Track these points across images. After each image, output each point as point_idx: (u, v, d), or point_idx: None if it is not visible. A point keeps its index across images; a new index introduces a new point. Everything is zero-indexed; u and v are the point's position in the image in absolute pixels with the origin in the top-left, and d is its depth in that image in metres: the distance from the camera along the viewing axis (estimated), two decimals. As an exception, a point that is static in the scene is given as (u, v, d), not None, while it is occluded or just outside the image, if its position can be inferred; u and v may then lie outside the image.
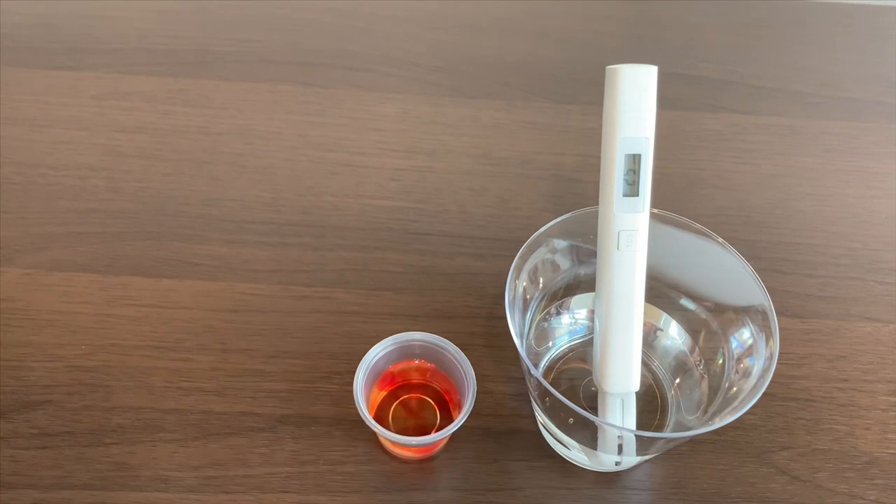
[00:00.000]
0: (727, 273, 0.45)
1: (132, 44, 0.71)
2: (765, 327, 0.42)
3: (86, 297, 0.53)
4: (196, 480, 0.46)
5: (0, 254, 0.55)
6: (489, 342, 0.53)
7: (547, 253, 0.48)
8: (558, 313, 0.50)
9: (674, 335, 0.49)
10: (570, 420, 0.43)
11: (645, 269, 0.42)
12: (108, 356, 0.51)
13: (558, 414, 0.45)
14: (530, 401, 0.49)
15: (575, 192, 0.62)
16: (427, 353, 0.47)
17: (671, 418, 0.47)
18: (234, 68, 0.69)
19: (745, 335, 0.44)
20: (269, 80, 0.68)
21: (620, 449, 0.43)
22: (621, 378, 0.43)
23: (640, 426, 0.45)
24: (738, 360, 0.44)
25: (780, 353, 0.51)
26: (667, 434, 0.45)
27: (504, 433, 0.49)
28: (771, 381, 0.50)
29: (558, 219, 0.46)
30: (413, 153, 0.64)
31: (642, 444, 0.43)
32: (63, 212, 0.58)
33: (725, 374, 0.44)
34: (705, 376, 0.46)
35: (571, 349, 0.50)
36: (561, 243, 0.48)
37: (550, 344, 0.50)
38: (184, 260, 0.56)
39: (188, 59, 0.70)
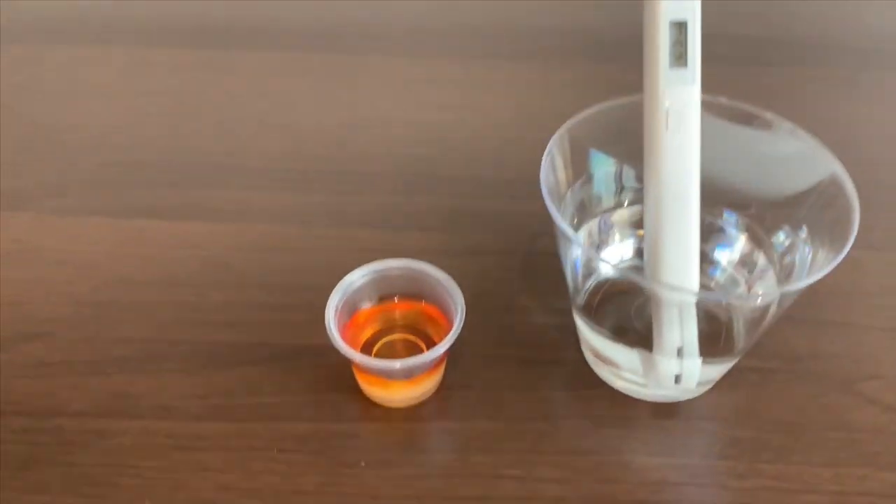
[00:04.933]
0: (781, 155, 0.41)
1: (160, 19, 0.70)
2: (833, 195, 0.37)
3: (98, 238, 0.50)
4: (201, 409, 0.41)
5: (13, 202, 0.53)
6: (526, 276, 0.48)
7: (583, 185, 0.44)
8: (604, 231, 0.45)
9: (725, 241, 0.44)
10: (616, 344, 0.38)
11: (699, 150, 0.38)
12: (115, 292, 0.47)
13: (607, 322, 0.40)
14: (574, 330, 0.44)
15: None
16: (409, 282, 0.42)
17: (737, 332, 0.41)
18: (261, 39, 0.68)
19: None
20: (297, 51, 0.67)
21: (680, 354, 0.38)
22: (678, 279, 0.38)
23: (702, 350, 0.39)
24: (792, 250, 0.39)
25: (863, 284, 0.46)
26: (734, 297, 0.39)
27: (545, 363, 0.43)
28: (854, 311, 0.45)
29: (602, 104, 0.42)
30: (446, 109, 0.61)
31: (709, 344, 0.37)
32: (81, 164, 0.56)
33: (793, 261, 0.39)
34: (767, 273, 0.41)
35: (621, 271, 0.44)
36: (601, 160, 0.44)
37: (593, 267, 0.45)
38: (202, 205, 0.53)
39: (216, 32, 0.69)
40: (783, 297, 0.38)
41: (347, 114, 0.60)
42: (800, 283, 0.34)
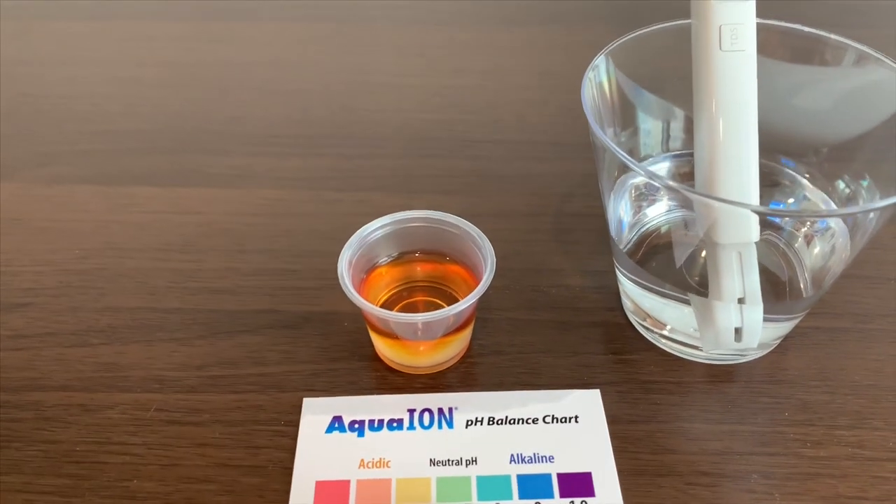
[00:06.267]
0: (846, 89, 0.36)
1: None
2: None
3: (86, 206, 0.46)
4: (198, 380, 0.36)
5: (-3, 172, 0.49)
6: (558, 238, 0.43)
7: (630, 137, 0.40)
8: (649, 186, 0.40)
9: (782, 192, 0.39)
10: (665, 300, 0.34)
11: (756, 75, 0.33)
12: (104, 260, 0.43)
13: (654, 276, 0.35)
14: (615, 291, 0.39)
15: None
16: (432, 236, 0.37)
17: (803, 283, 0.36)
18: (266, 8, 0.64)
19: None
20: (303, 21, 0.63)
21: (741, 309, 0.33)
22: (735, 224, 0.33)
23: (766, 308, 0.34)
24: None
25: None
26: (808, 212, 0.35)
27: (584, 325, 0.38)
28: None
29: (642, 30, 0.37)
30: (462, 73, 0.57)
31: (772, 298, 0.33)
32: (71, 133, 0.52)
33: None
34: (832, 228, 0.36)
35: (669, 221, 0.40)
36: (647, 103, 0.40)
37: (640, 216, 0.40)
38: (199, 170, 0.48)
39: (217, 6, 0.65)
40: (862, 224, 0.33)
41: (356, 80, 0.56)
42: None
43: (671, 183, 0.30)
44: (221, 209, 0.46)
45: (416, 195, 0.46)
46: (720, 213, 0.32)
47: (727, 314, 0.33)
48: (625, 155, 0.30)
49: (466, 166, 0.48)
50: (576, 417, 0.34)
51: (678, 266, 0.36)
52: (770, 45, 0.37)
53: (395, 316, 0.33)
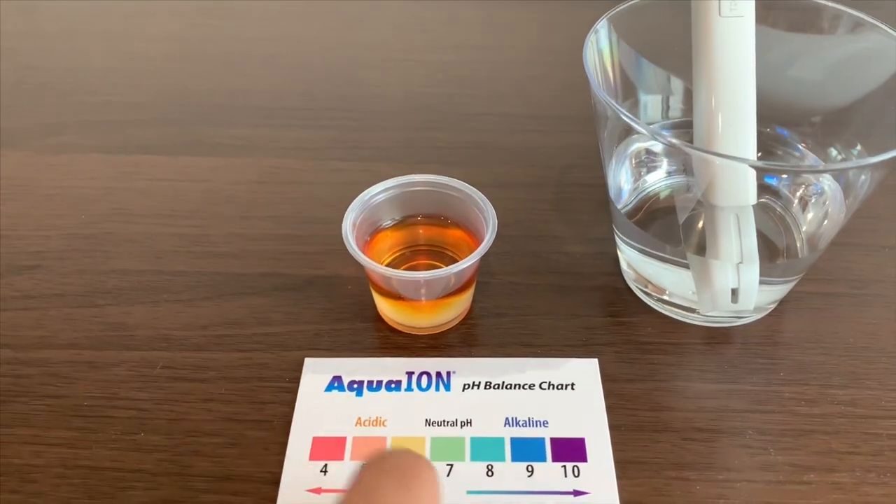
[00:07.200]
0: (843, 55, 0.37)
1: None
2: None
3: (92, 174, 0.47)
4: (204, 339, 0.37)
5: (6, 141, 0.49)
6: (560, 206, 0.44)
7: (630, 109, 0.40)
8: (648, 154, 0.41)
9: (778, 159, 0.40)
10: (663, 265, 0.34)
11: (754, 41, 0.34)
12: (110, 225, 0.43)
13: (653, 241, 0.36)
14: (614, 258, 0.40)
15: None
16: (434, 199, 0.38)
17: (799, 245, 0.37)
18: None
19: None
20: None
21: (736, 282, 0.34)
22: (733, 186, 0.34)
23: (760, 269, 0.34)
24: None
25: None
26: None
27: (584, 290, 0.39)
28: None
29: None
30: (464, 49, 0.57)
31: (768, 261, 0.33)
32: (76, 104, 0.52)
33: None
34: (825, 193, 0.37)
35: (668, 187, 0.40)
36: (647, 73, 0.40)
37: (640, 182, 0.41)
38: (204, 141, 0.49)
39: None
40: (854, 186, 0.34)
41: (360, 55, 0.57)
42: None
43: (673, 140, 0.31)
44: (226, 177, 0.46)
45: (418, 166, 0.47)
46: (718, 174, 0.33)
47: (724, 274, 0.34)
48: (625, 112, 0.31)
49: (468, 139, 0.49)
50: (572, 385, 0.35)
51: (680, 224, 0.37)
52: (766, 13, 0.38)
53: (397, 274, 0.33)
